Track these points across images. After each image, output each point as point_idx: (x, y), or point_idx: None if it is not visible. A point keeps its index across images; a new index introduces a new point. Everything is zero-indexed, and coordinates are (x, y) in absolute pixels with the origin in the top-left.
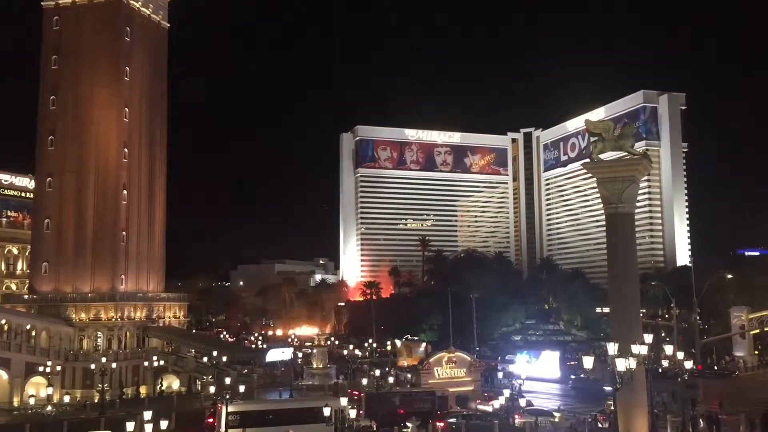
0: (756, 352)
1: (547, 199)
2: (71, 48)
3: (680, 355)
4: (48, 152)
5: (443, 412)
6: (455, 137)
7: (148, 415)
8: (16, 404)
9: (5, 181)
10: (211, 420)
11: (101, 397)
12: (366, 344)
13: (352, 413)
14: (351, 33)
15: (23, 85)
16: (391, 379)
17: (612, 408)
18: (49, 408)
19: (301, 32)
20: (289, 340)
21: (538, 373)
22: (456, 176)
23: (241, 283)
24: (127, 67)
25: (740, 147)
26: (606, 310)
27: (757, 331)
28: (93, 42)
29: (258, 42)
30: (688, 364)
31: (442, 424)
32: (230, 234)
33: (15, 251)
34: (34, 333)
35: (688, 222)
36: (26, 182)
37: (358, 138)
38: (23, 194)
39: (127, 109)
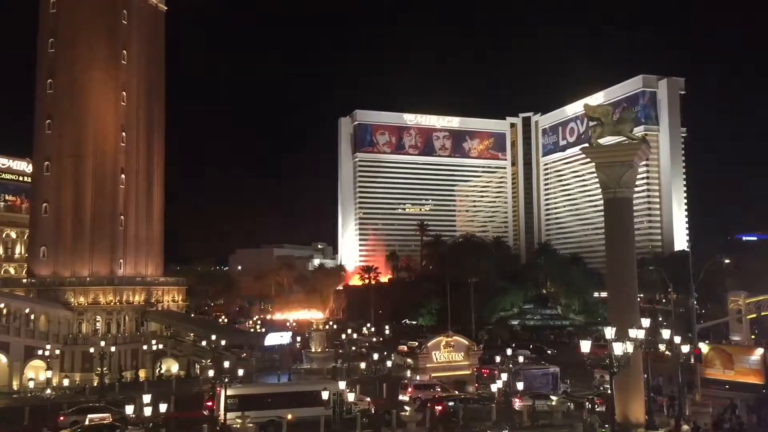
0: (753, 337)
1: (546, 184)
2: (68, 31)
3: (677, 339)
4: (45, 136)
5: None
6: (454, 122)
7: (147, 398)
8: (15, 387)
9: (3, 165)
10: (210, 403)
11: (100, 381)
12: (364, 328)
13: (351, 396)
14: (350, 18)
15: (21, 68)
16: (389, 363)
17: (609, 391)
18: (49, 391)
19: (301, 16)
20: (288, 324)
21: None
22: (454, 161)
23: (240, 267)
24: (125, 51)
25: (739, 132)
26: (604, 294)
27: (754, 315)
28: (89, 25)
29: (257, 25)
30: (685, 349)
31: (440, 408)
32: (229, 218)
33: (13, 235)
34: (33, 317)
35: (686, 207)
36: (24, 166)
37: (356, 122)
38: (21, 178)
39: (124, 93)
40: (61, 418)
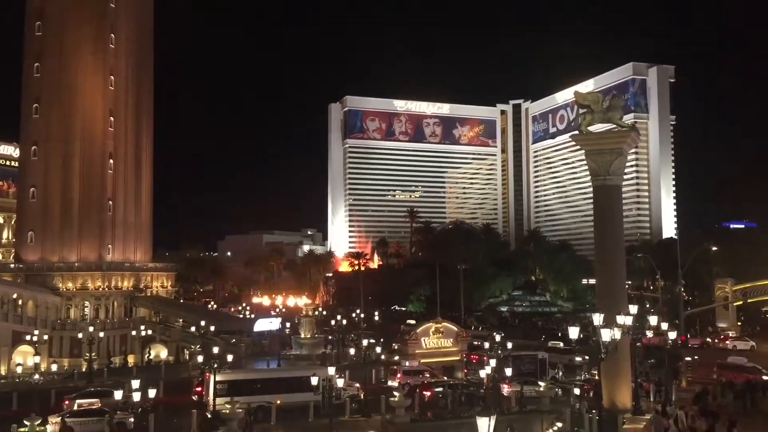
0: (739, 324)
1: (536, 171)
2: (55, 14)
3: (664, 326)
4: (33, 120)
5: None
6: (444, 108)
7: (136, 383)
8: (3, 373)
9: None
10: (199, 389)
11: (89, 366)
12: (353, 315)
13: (340, 382)
14: (340, 3)
15: (7, 51)
16: (378, 349)
17: (597, 377)
18: (37, 377)
19: (290, 1)
20: (277, 310)
21: None
22: (445, 148)
23: (229, 253)
24: (113, 34)
25: (728, 120)
26: (592, 281)
27: (740, 302)
28: (77, 8)
29: (246, 10)
30: (672, 335)
31: (428, 393)
32: (218, 204)
33: (0, 220)
34: (20, 302)
35: (674, 195)
36: (11, 150)
37: (346, 108)
38: (8, 163)
39: (112, 77)
40: (66, 402)
